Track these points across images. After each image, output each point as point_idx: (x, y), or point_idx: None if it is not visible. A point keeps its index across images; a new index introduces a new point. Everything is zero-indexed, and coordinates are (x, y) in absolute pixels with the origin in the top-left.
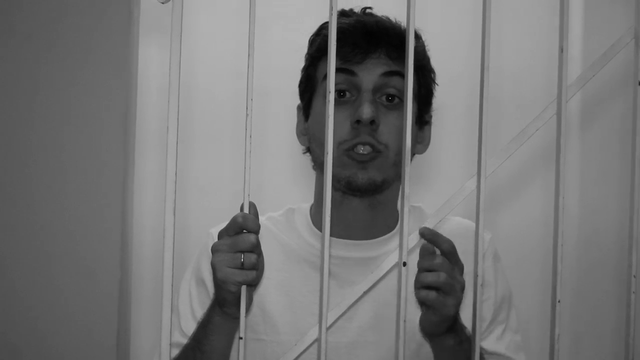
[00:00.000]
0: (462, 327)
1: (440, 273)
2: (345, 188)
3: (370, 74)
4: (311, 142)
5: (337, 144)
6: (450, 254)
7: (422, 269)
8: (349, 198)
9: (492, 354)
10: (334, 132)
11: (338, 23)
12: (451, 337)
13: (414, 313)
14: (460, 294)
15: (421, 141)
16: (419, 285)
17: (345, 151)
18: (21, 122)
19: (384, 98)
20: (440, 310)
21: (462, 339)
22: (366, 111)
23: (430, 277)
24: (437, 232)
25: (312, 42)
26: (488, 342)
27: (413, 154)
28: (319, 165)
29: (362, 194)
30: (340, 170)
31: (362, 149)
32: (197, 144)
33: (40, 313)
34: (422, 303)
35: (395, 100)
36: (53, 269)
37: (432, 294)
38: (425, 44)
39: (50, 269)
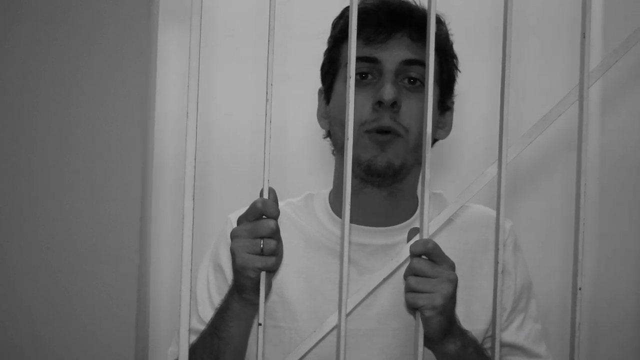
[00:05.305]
0: (463, 332)
1: (419, 278)
2: (364, 173)
3: (392, 55)
4: (332, 125)
5: (359, 125)
6: (429, 255)
7: (406, 273)
8: (367, 187)
9: (512, 346)
10: (355, 113)
11: (361, 4)
12: (451, 342)
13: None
14: (446, 286)
15: (442, 126)
16: (405, 290)
17: (366, 132)
18: (39, 108)
19: (405, 81)
20: (427, 304)
21: (464, 344)
22: (388, 92)
23: (411, 282)
24: (414, 243)
25: (335, 25)
26: (508, 332)
27: (435, 140)
28: (339, 148)
29: (381, 182)
30: (360, 153)
31: (381, 137)
32: (216, 128)
33: (59, 299)
34: (412, 307)
35: (417, 83)
36: (72, 255)
37: (409, 295)
38: (449, 29)
39: (69, 255)
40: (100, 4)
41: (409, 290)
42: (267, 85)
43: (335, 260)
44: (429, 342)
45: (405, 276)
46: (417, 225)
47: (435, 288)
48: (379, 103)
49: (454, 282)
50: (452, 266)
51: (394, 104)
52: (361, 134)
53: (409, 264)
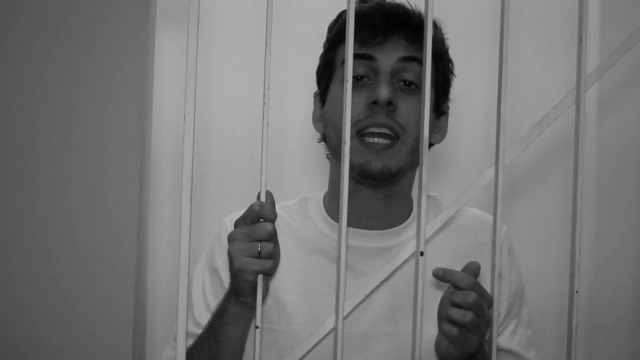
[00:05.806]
0: (485, 357)
1: (468, 312)
2: (358, 176)
3: (388, 57)
4: (327, 127)
5: (352, 125)
6: (474, 290)
7: (452, 302)
8: (362, 189)
9: (506, 351)
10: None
11: (357, 7)
12: None
13: (428, 324)
14: (484, 331)
15: (438, 131)
16: (445, 318)
17: (359, 135)
18: (39, 108)
19: (401, 83)
20: (461, 346)
21: None
22: (383, 92)
23: (457, 314)
24: (453, 271)
25: (331, 28)
26: (503, 337)
27: (430, 144)
28: (333, 151)
29: (376, 184)
30: (354, 157)
31: (377, 130)
32: (213, 129)
33: (58, 299)
34: (444, 334)
35: (412, 86)
36: (71, 255)
37: (454, 330)
38: (444, 34)
39: (68, 255)
40: (98, 5)
41: (451, 320)
42: (264, 88)
43: (330, 264)
44: None
45: (449, 300)
46: (411, 229)
47: (475, 331)
48: (374, 102)
49: (489, 322)
50: (489, 302)
51: (390, 104)
52: (353, 135)
53: (465, 299)
